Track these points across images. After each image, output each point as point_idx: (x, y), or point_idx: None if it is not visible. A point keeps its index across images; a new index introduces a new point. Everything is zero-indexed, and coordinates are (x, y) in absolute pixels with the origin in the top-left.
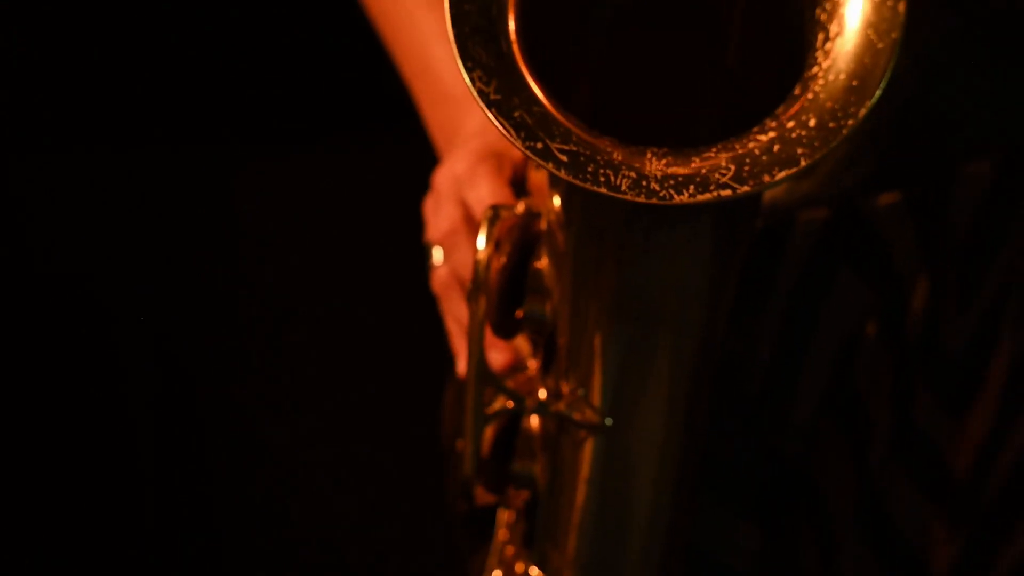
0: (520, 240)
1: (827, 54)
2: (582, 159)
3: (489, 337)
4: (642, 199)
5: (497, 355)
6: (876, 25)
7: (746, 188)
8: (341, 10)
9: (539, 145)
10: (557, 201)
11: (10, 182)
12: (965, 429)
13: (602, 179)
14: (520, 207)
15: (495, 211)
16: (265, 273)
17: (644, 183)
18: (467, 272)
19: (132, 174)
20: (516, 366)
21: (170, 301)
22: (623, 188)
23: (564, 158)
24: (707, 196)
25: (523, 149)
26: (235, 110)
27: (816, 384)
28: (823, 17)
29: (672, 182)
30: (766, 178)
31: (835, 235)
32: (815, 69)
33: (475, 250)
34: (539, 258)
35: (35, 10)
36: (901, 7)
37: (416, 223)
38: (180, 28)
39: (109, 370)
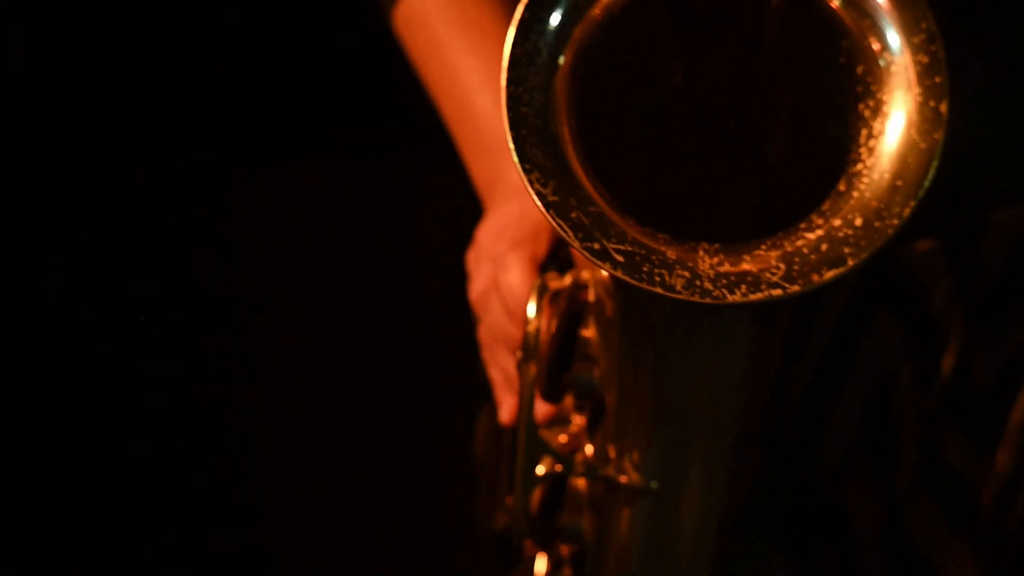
0: (568, 310)
1: (871, 151)
2: (637, 259)
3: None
4: (696, 299)
5: (539, 407)
6: (919, 125)
7: (796, 287)
8: (351, 23)
9: (596, 246)
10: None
11: (13, 192)
12: (992, 462)
13: (657, 279)
14: (568, 279)
15: (544, 282)
16: (267, 281)
17: (697, 282)
18: (501, 329)
19: (132, 183)
20: (559, 419)
21: (170, 309)
22: (678, 288)
23: (620, 258)
24: (759, 296)
25: (581, 250)
26: (240, 120)
27: (850, 420)
28: (866, 113)
29: (725, 281)
30: (815, 277)
31: (873, 280)
32: (859, 166)
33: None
34: (587, 326)
35: (42, 22)
36: (943, 108)
37: (419, 234)
38: (187, 39)
39: (105, 384)
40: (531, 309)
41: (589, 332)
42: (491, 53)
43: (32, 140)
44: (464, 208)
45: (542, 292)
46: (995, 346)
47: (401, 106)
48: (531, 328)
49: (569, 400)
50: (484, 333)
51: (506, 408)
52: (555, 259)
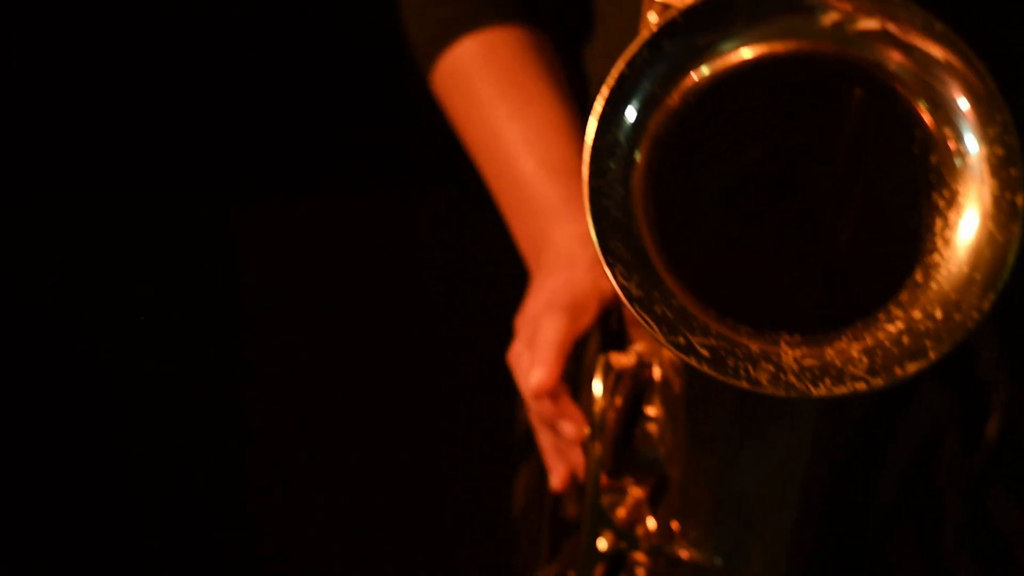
0: (633, 389)
1: (947, 242)
2: (722, 352)
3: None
4: (782, 393)
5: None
6: (995, 217)
7: (879, 380)
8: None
9: (681, 340)
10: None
11: (14, 227)
12: None
13: (742, 373)
14: (632, 357)
15: (608, 362)
16: (267, 308)
17: (782, 376)
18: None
19: (135, 219)
20: (614, 488)
21: (170, 343)
22: (763, 382)
23: (706, 353)
24: (843, 389)
25: (667, 344)
26: (240, 155)
27: (895, 481)
28: (941, 204)
29: (809, 375)
30: (898, 371)
31: None
32: (936, 257)
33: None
34: (651, 403)
35: (46, 58)
36: (1020, 200)
37: (422, 272)
38: (188, 74)
39: (107, 419)
40: (597, 388)
41: (654, 410)
42: (534, 116)
43: (46, 174)
44: (463, 241)
45: (607, 371)
46: None
47: (400, 143)
48: (597, 408)
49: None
50: (533, 401)
51: (557, 475)
52: (606, 330)
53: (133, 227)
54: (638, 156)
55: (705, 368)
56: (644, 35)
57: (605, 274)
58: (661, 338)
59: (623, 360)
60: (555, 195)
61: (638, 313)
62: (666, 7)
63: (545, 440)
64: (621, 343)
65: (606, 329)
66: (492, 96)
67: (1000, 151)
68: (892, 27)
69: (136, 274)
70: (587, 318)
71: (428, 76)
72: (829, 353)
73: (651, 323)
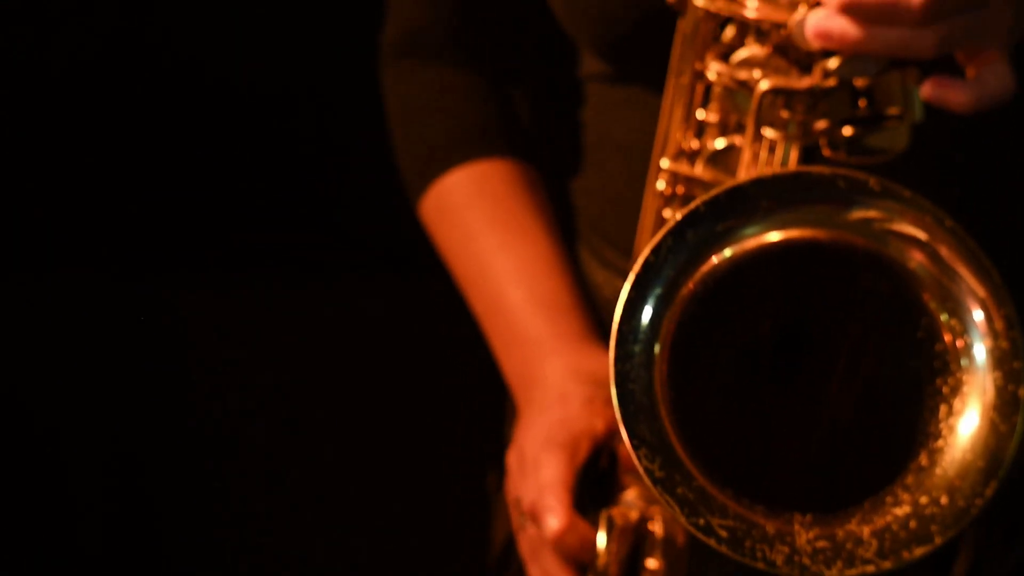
0: (633, 543)
1: (952, 429)
2: (739, 534)
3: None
4: (796, 574)
5: None
6: (999, 408)
7: (888, 564)
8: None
9: (701, 521)
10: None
11: None
12: None
13: (759, 555)
14: (635, 512)
15: (611, 516)
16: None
17: (796, 558)
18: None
19: (91, 301)
20: None
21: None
22: (778, 564)
23: (724, 534)
24: (853, 572)
25: (687, 525)
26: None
27: None
28: (945, 390)
29: (822, 557)
30: (905, 555)
31: None
32: (940, 442)
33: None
34: (652, 555)
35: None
36: (1022, 393)
37: (388, 359)
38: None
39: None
40: (600, 540)
41: (654, 562)
42: (524, 248)
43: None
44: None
45: (611, 526)
46: (1008, 551)
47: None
48: (600, 561)
49: None
50: (525, 543)
51: None
52: (595, 469)
53: (104, 308)
54: (660, 340)
55: (724, 549)
56: (669, 223)
57: (598, 412)
58: (683, 520)
59: (626, 515)
60: (544, 328)
61: (660, 494)
62: (674, 176)
63: (536, 573)
64: (611, 483)
65: (595, 468)
66: (482, 227)
67: (1005, 345)
68: (917, 231)
69: (105, 357)
70: (582, 455)
71: (416, 203)
72: (840, 535)
73: (673, 505)
